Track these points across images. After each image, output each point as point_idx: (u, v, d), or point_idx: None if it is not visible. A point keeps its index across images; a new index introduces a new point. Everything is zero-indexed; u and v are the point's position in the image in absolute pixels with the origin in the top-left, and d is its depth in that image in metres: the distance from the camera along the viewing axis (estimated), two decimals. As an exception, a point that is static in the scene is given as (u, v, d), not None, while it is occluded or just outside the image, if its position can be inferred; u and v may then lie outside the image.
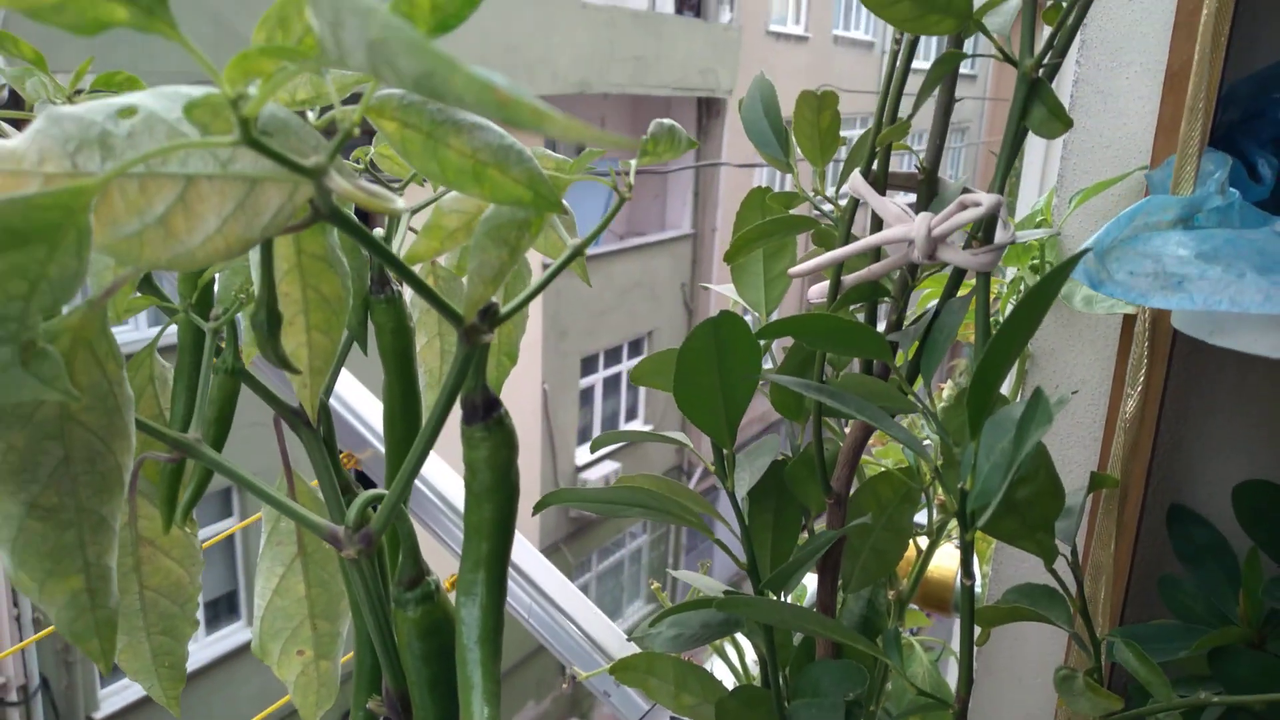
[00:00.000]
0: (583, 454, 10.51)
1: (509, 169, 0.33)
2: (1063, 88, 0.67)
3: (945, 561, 1.02)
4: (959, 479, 0.39)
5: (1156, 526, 0.65)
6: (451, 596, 0.42)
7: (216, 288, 0.46)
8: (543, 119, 0.19)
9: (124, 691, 7.09)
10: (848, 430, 0.54)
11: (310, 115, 0.41)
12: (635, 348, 10.80)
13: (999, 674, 0.74)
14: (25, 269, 0.23)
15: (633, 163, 0.39)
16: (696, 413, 0.45)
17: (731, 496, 0.51)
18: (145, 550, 0.49)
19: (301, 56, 0.24)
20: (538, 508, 0.49)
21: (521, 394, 9.72)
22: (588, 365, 10.20)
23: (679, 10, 10.94)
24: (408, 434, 0.52)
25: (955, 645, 0.87)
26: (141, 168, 0.26)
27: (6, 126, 0.43)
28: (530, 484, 9.75)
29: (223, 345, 0.46)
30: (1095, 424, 0.63)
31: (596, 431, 11.13)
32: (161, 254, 0.27)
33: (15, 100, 0.50)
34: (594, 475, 9.92)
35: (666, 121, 0.41)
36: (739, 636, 0.82)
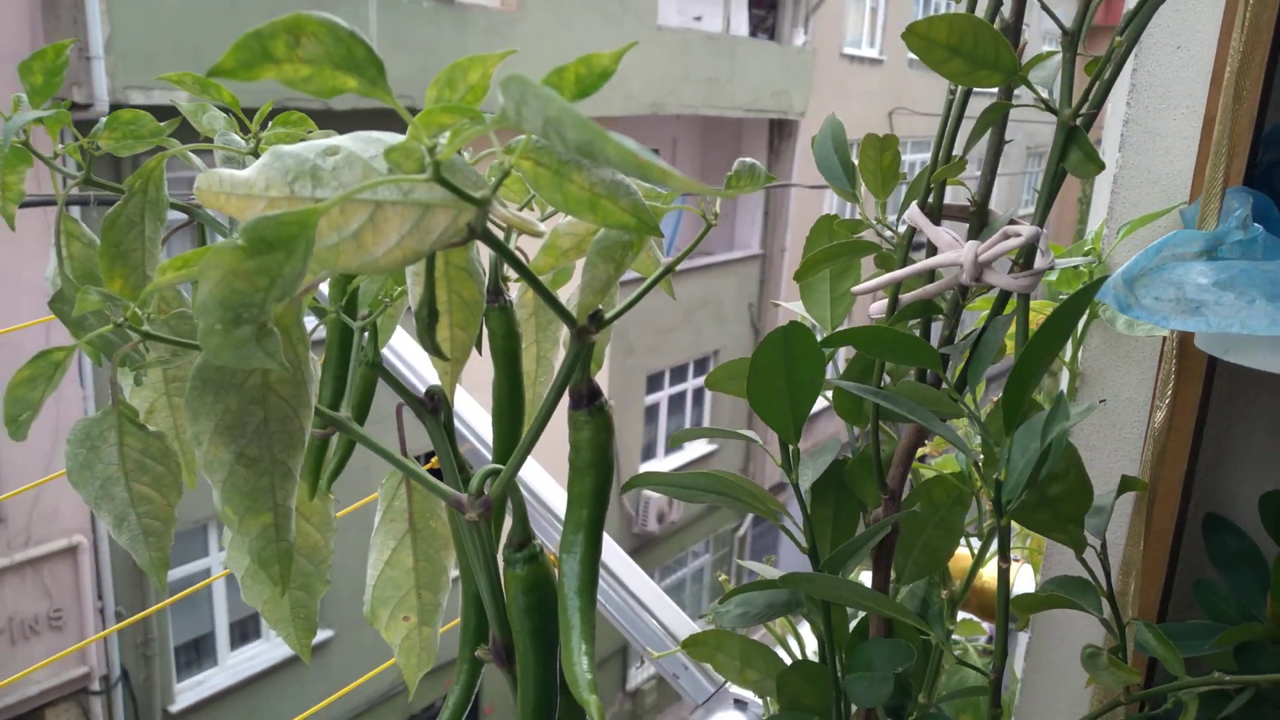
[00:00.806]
0: (645, 469, 10.58)
1: (618, 200, 0.40)
2: (1113, 128, 0.72)
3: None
4: (995, 472, 0.45)
5: (1198, 534, 0.69)
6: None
7: (363, 289, 0.54)
8: (667, 176, 0.26)
9: (197, 687, 7.33)
10: (902, 434, 0.60)
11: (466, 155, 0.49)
12: (701, 366, 10.86)
13: (1047, 670, 0.79)
14: (269, 268, 0.31)
15: (718, 200, 0.46)
16: (767, 412, 0.52)
17: (795, 488, 0.58)
18: (290, 515, 0.57)
19: (476, 116, 0.31)
20: (625, 488, 0.56)
21: (588, 409, 9.81)
22: (653, 382, 10.28)
23: (753, 33, 11.03)
24: (513, 422, 0.60)
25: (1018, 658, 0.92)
26: (341, 193, 0.34)
27: (196, 159, 0.52)
28: (594, 499, 9.80)
29: (364, 343, 0.54)
30: (1137, 437, 0.68)
31: (660, 450, 11.21)
32: (353, 261, 0.35)
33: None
34: (657, 492, 9.97)
35: (748, 160, 0.48)
36: (802, 631, 0.88)
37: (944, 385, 0.54)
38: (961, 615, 1.15)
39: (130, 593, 6.79)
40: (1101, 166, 0.46)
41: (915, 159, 13.97)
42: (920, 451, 0.88)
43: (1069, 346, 0.74)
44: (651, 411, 11.06)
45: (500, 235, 0.59)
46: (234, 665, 7.59)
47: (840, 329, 0.65)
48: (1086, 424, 0.74)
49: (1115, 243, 0.70)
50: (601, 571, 0.87)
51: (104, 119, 0.53)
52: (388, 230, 0.35)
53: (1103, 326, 0.72)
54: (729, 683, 0.82)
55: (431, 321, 0.40)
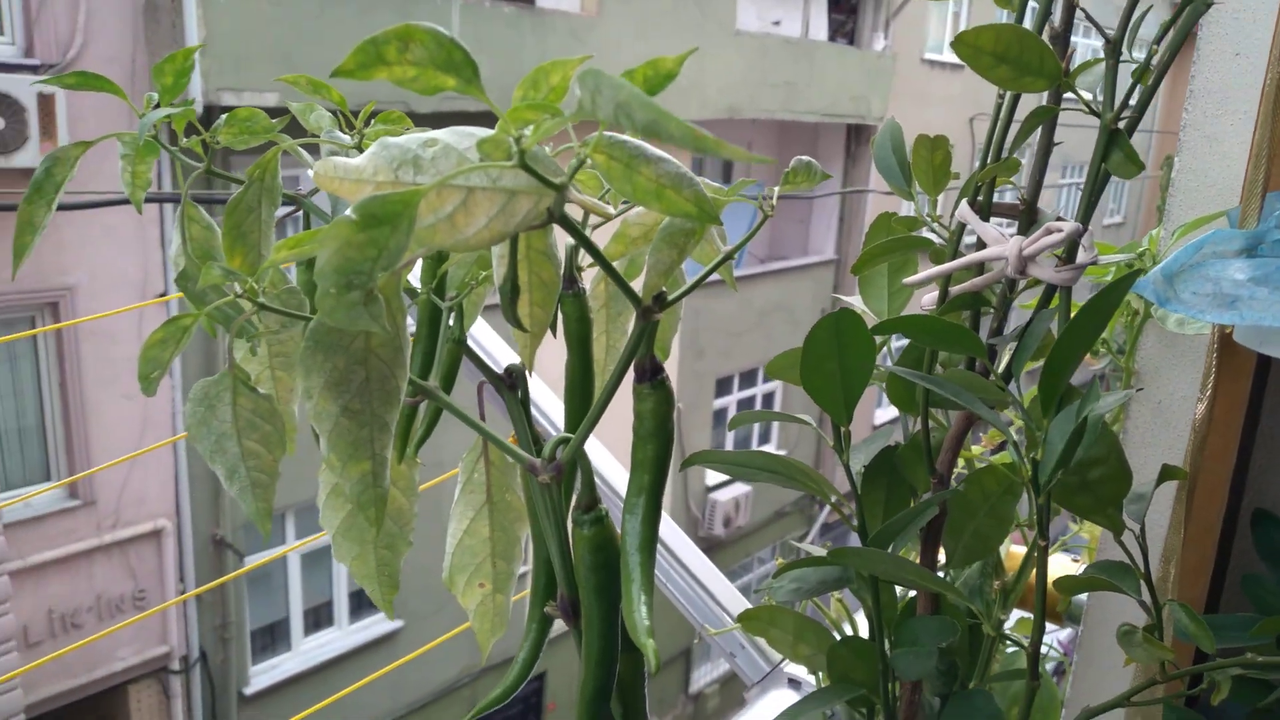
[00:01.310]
0: (714, 474, 10.60)
1: (682, 190, 0.44)
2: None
3: (1058, 570, 1.08)
4: (1034, 453, 0.48)
5: (1249, 531, 0.71)
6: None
7: (451, 275, 0.59)
8: (721, 148, 0.30)
9: (271, 671, 7.56)
10: (952, 421, 0.63)
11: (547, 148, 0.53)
12: (748, 379, 10.83)
13: (1096, 663, 0.81)
14: (377, 241, 0.36)
15: (775, 188, 0.50)
16: (819, 394, 0.55)
17: (847, 469, 0.61)
18: (378, 478, 0.62)
19: (556, 113, 0.36)
20: (685, 464, 0.60)
21: (657, 411, 9.86)
22: (722, 386, 10.28)
23: (832, 37, 10.98)
24: (584, 400, 0.64)
25: (1073, 657, 0.93)
26: (439, 178, 0.39)
27: (305, 154, 0.57)
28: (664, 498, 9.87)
29: (450, 322, 0.59)
30: (1186, 432, 0.69)
31: (729, 453, 11.18)
32: (447, 240, 0.40)
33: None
34: (724, 496, 9.98)
35: (805, 158, 0.51)
36: (858, 619, 0.91)
37: (991, 375, 0.57)
38: (1020, 614, 1.17)
39: (210, 576, 7.03)
40: (1141, 167, 0.49)
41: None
42: (975, 451, 0.90)
43: (1125, 345, 0.76)
44: (720, 416, 11.06)
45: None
46: (307, 651, 7.80)
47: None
48: (1141, 420, 0.76)
49: (1169, 244, 0.71)
50: (660, 549, 0.91)
51: (224, 116, 0.59)
52: (478, 213, 0.40)
53: (1157, 326, 0.73)
54: (784, 662, 0.86)
55: (514, 296, 0.45)
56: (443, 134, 0.40)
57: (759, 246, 10.96)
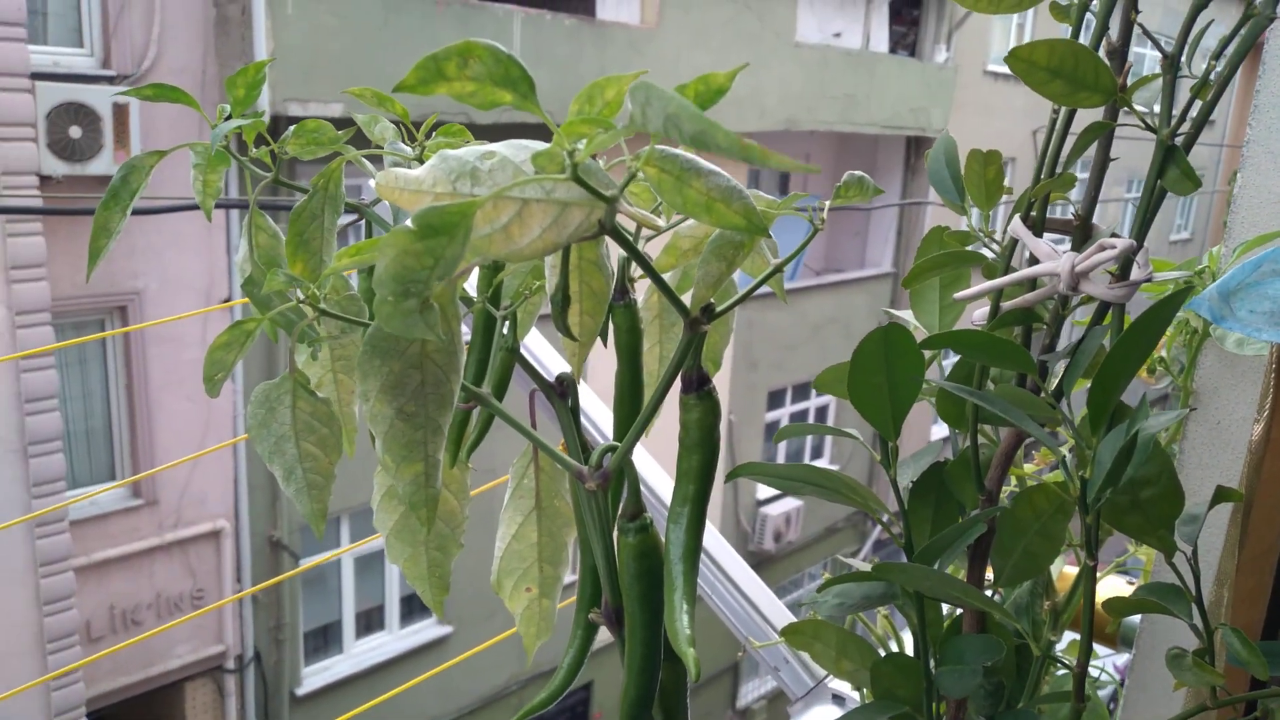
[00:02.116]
0: (764, 488, 10.54)
1: (731, 203, 0.45)
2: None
3: (1111, 592, 1.06)
4: (1083, 471, 0.47)
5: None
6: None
7: (506, 285, 0.60)
8: (768, 157, 0.31)
9: (323, 673, 7.67)
10: (1002, 438, 0.62)
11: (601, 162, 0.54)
12: (800, 391, 10.76)
13: (1150, 689, 0.80)
14: (434, 250, 0.37)
15: (827, 202, 0.50)
16: (866, 408, 0.55)
17: (893, 484, 0.61)
18: (430, 482, 0.63)
19: (610, 127, 0.37)
20: (730, 476, 0.61)
21: (709, 424, 9.84)
22: (775, 399, 10.23)
23: (893, 49, 10.91)
24: (633, 410, 0.65)
25: (1126, 682, 0.92)
26: (494, 190, 0.40)
27: (368, 164, 0.59)
28: (710, 512, 9.86)
29: (504, 331, 0.60)
30: (1244, 454, 0.68)
31: (781, 467, 11.11)
32: (502, 250, 0.41)
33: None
34: (774, 510, 9.92)
35: (857, 173, 0.52)
36: (905, 637, 0.90)
37: (1041, 392, 0.57)
38: (1072, 636, 1.15)
39: (266, 577, 7.16)
40: (1198, 184, 0.48)
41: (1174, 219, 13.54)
42: (1028, 469, 0.89)
43: (1183, 365, 0.75)
44: (772, 428, 10.99)
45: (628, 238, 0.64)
46: (359, 654, 7.91)
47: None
48: (1198, 441, 0.75)
49: (1231, 261, 0.70)
50: (706, 561, 0.92)
51: (291, 128, 0.61)
52: (531, 224, 0.41)
53: (1216, 346, 0.72)
54: (829, 678, 0.86)
55: (565, 305, 0.46)
56: (500, 147, 0.41)
57: (814, 259, 10.91)
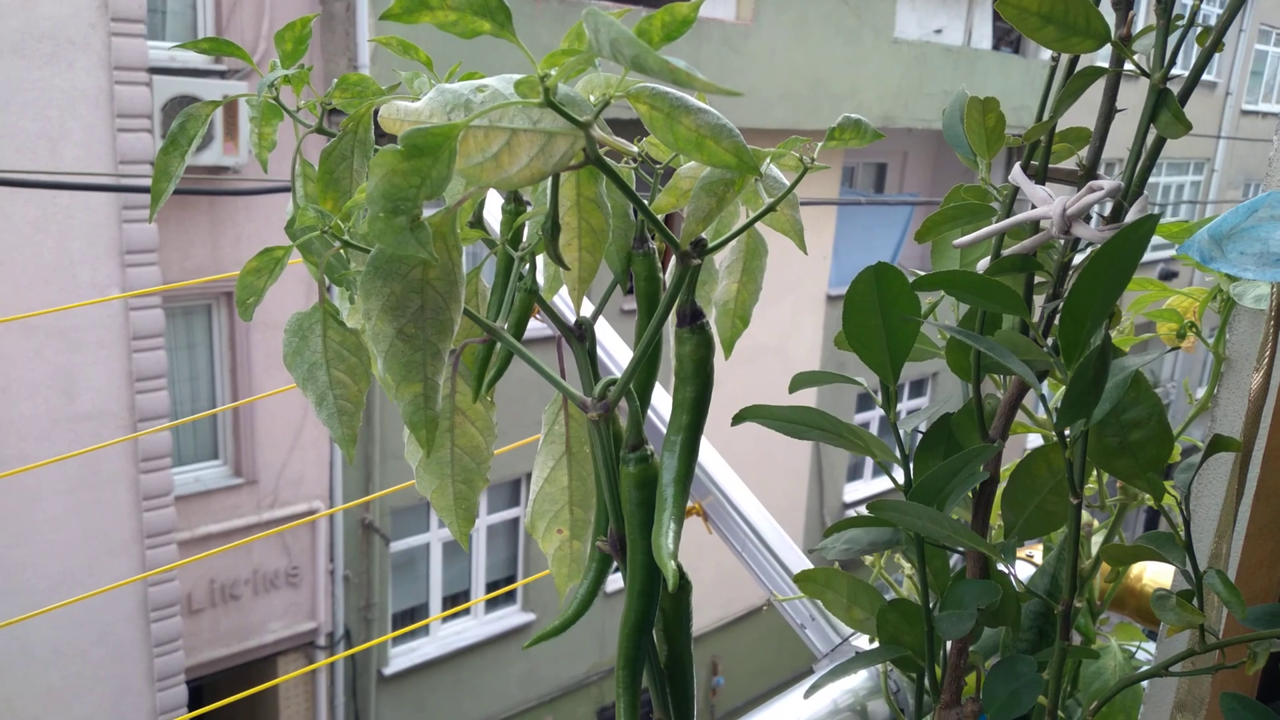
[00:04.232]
0: (851, 490, 10.42)
1: (721, 140, 0.47)
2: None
3: (1157, 574, 1.04)
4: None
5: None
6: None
7: (526, 231, 0.64)
8: (693, 79, 0.33)
9: (410, 654, 7.88)
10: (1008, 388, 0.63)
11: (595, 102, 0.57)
12: (917, 388, 10.58)
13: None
14: (420, 170, 0.40)
15: (818, 145, 0.52)
16: (864, 351, 0.57)
17: (894, 429, 0.62)
18: (457, 418, 0.67)
19: (578, 53, 0.39)
20: (736, 420, 0.63)
21: (795, 423, 9.78)
22: (864, 401, 10.10)
23: (996, 46, 10.66)
24: (653, 353, 0.67)
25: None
26: (486, 121, 0.43)
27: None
28: (795, 514, 9.81)
29: (524, 273, 0.63)
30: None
31: (867, 472, 11.00)
32: (492, 177, 0.44)
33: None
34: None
35: (854, 116, 0.53)
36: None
37: (1031, 332, 0.57)
38: (1118, 619, 1.13)
39: (357, 558, 7.40)
40: (1188, 127, 0.48)
41: (1169, 181, 13.03)
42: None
43: (1216, 329, 0.74)
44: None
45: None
46: (444, 637, 8.10)
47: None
48: (1232, 409, 0.74)
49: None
50: (735, 515, 0.94)
51: (335, 80, 0.65)
52: (519, 153, 0.44)
53: (1249, 311, 0.71)
54: (854, 635, 0.87)
55: (554, 233, 0.49)
56: (492, 81, 0.45)
57: (909, 259, 10.72)
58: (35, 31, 4.78)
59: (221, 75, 5.74)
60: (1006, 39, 10.91)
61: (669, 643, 0.62)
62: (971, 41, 10.41)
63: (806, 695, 0.70)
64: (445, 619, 8.15)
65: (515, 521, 8.25)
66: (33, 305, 4.94)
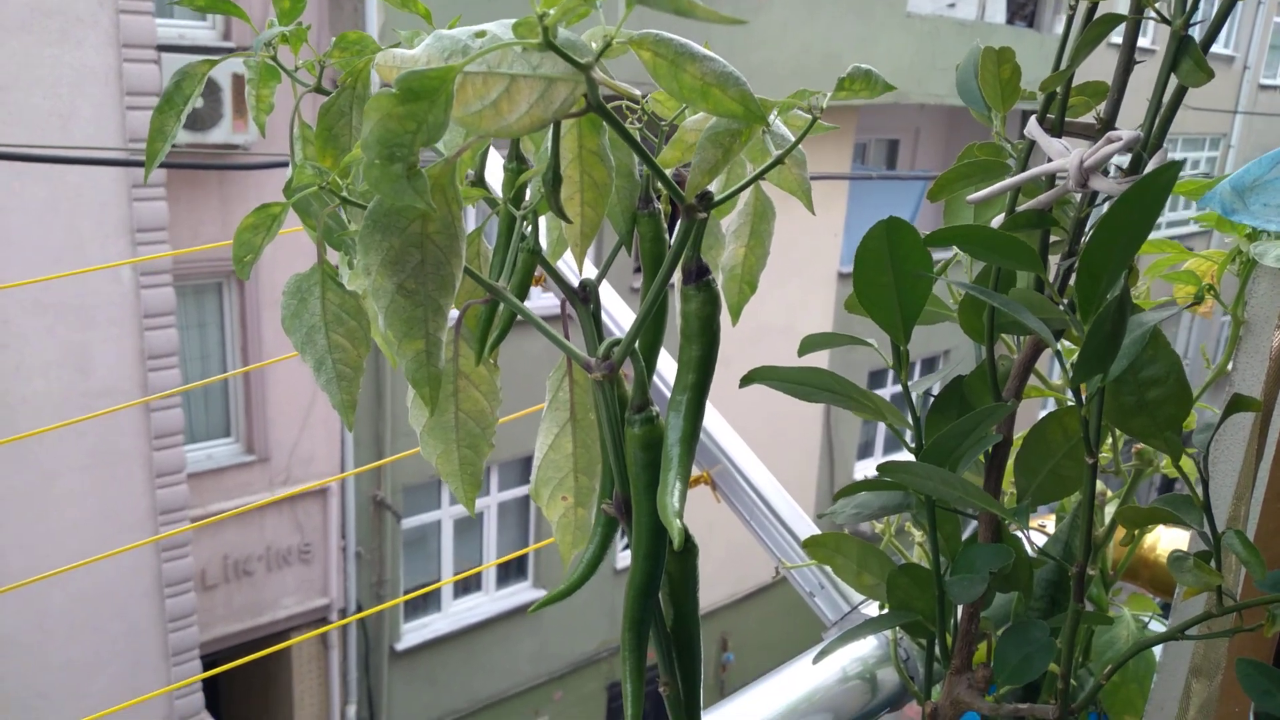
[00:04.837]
0: (861, 469, 10.41)
1: (727, 89, 0.46)
2: None
3: (1172, 545, 1.03)
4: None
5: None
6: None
7: (529, 190, 0.62)
8: (694, 7, 0.32)
9: (421, 629, 7.94)
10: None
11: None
12: (929, 365, 10.54)
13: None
14: (416, 114, 0.39)
15: (826, 95, 0.51)
16: (875, 309, 0.56)
17: (905, 389, 0.61)
18: (461, 381, 0.66)
19: (583, -8, 0.38)
20: (744, 382, 0.62)
21: (803, 403, 9.78)
22: (875, 380, 10.07)
23: (1010, 20, 10.54)
24: (658, 316, 0.66)
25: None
26: (485, 67, 0.42)
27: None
28: (806, 494, 9.80)
29: (526, 234, 0.62)
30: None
31: (878, 450, 10.99)
32: (491, 125, 0.43)
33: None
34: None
35: (864, 66, 0.52)
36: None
37: (1046, 289, 0.56)
38: (1132, 589, 1.12)
39: (370, 535, 7.44)
40: (1211, 75, 0.47)
41: (1185, 157, 12.90)
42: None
43: (1235, 292, 0.72)
44: (872, 408, 10.80)
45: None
46: (455, 613, 8.15)
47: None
48: (1251, 373, 0.72)
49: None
50: (743, 483, 0.93)
51: (334, 39, 0.64)
52: (519, 99, 0.43)
53: (1270, 272, 0.70)
54: (864, 603, 0.86)
55: (555, 184, 0.48)
56: (490, 26, 0.43)
57: (920, 237, 10.66)
58: (44, 8, 4.77)
59: (231, 53, 5.72)
60: (1021, 13, 10.80)
61: (675, 606, 0.61)
62: (985, 16, 10.29)
63: (815, 661, 0.70)
64: (457, 595, 8.19)
65: (526, 500, 8.28)
66: (45, 283, 4.95)
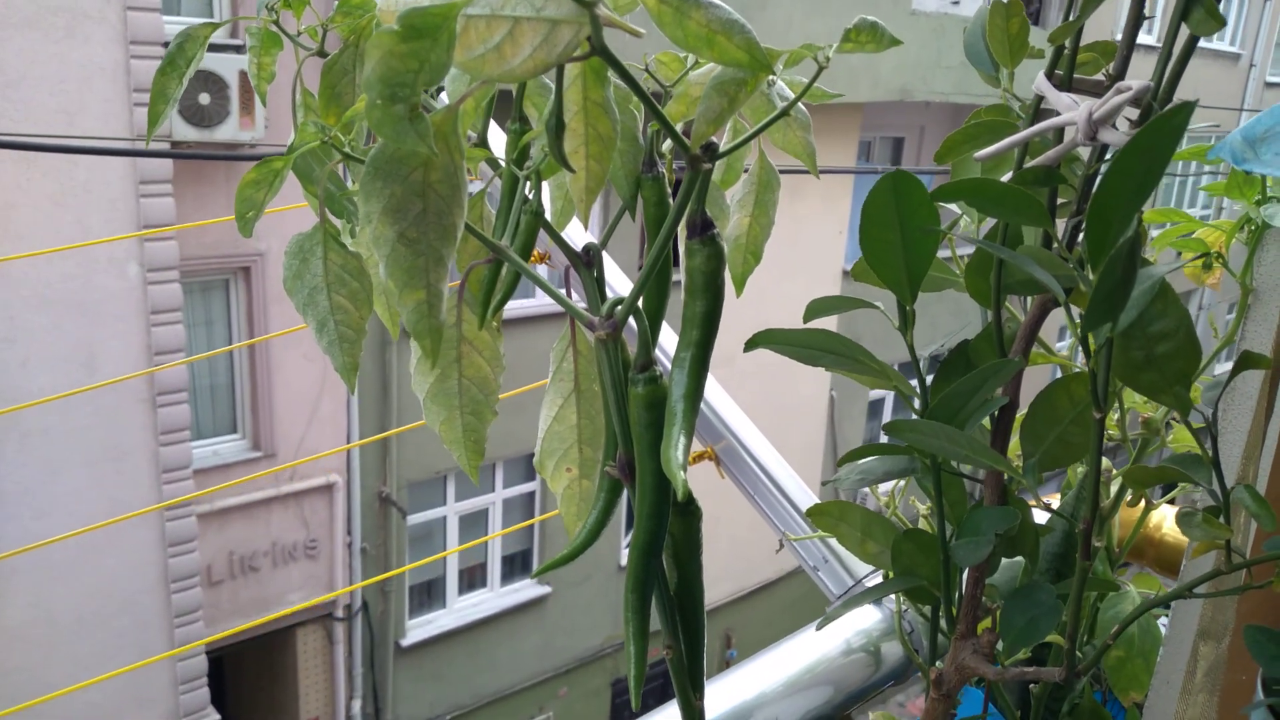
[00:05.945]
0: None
1: (733, 37, 0.46)
2: None
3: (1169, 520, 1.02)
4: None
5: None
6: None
7: (532, 151, 0.62)
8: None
9: (426, 625, 7.94)
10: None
11: None
12: (935, 363, 10.49)
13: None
14: (418, 53, 0.39)
15: (833, 45, 0.50)
16: (881, 267, 0.55)
17: (911, 350, 0.60)
18: (464, 347, 0.66)
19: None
20: (749, 346, 0.61)
21: (808, 398, 9.78)
22: (881, 372, 10.03)
23: (1015, 18, 10.50)
24: (661, 279, 0.66)
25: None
26: (488, 10, 0.42)
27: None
28: (811, 482, 9.76)
29: (529, 196, 0.62)
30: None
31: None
32: (495, 70, 0.42)
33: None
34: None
35: (870, 18, 0.51)
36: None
37: (1055, 245, 0.56)
38: (1137, 569, 1.11)
39: (375, 531, 7.44)
40: (1223, 23, 0.46)
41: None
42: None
43: (1242, 259, 0.72)
44: (875, 407, 10.83)
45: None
46: (461, 609, 8.15)
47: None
48: (1259, 341, 0.72)
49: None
50: (744, 454, 0.92)
51: (338, 2, 0.63)
52: (523, 42, 0.42)
53: (1278, 240, 0.69)
54: (869, 576, 0.86)
55: (559, 130, 0.47)
56: (494, -31, 0.43)
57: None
58: (51, 4, 4.78)
59: (238, 50, 5.72)
60: (1026, 10, 10.77)
61: (679, 568, 0.61)
62: (991, 13, 10.24)
63: (819, 627, 0.69)
64: (462, 591, 8.20)
65: (531, 496, 8.28)
66: (51, 279, 4.96)
